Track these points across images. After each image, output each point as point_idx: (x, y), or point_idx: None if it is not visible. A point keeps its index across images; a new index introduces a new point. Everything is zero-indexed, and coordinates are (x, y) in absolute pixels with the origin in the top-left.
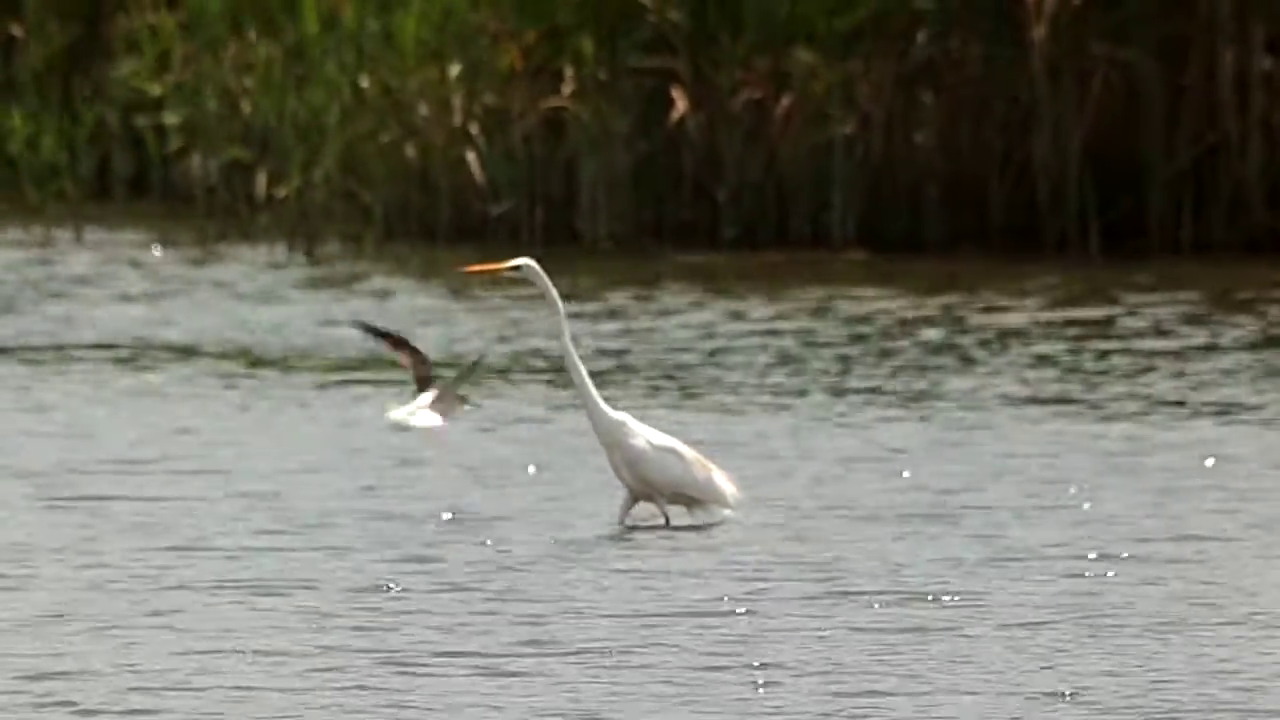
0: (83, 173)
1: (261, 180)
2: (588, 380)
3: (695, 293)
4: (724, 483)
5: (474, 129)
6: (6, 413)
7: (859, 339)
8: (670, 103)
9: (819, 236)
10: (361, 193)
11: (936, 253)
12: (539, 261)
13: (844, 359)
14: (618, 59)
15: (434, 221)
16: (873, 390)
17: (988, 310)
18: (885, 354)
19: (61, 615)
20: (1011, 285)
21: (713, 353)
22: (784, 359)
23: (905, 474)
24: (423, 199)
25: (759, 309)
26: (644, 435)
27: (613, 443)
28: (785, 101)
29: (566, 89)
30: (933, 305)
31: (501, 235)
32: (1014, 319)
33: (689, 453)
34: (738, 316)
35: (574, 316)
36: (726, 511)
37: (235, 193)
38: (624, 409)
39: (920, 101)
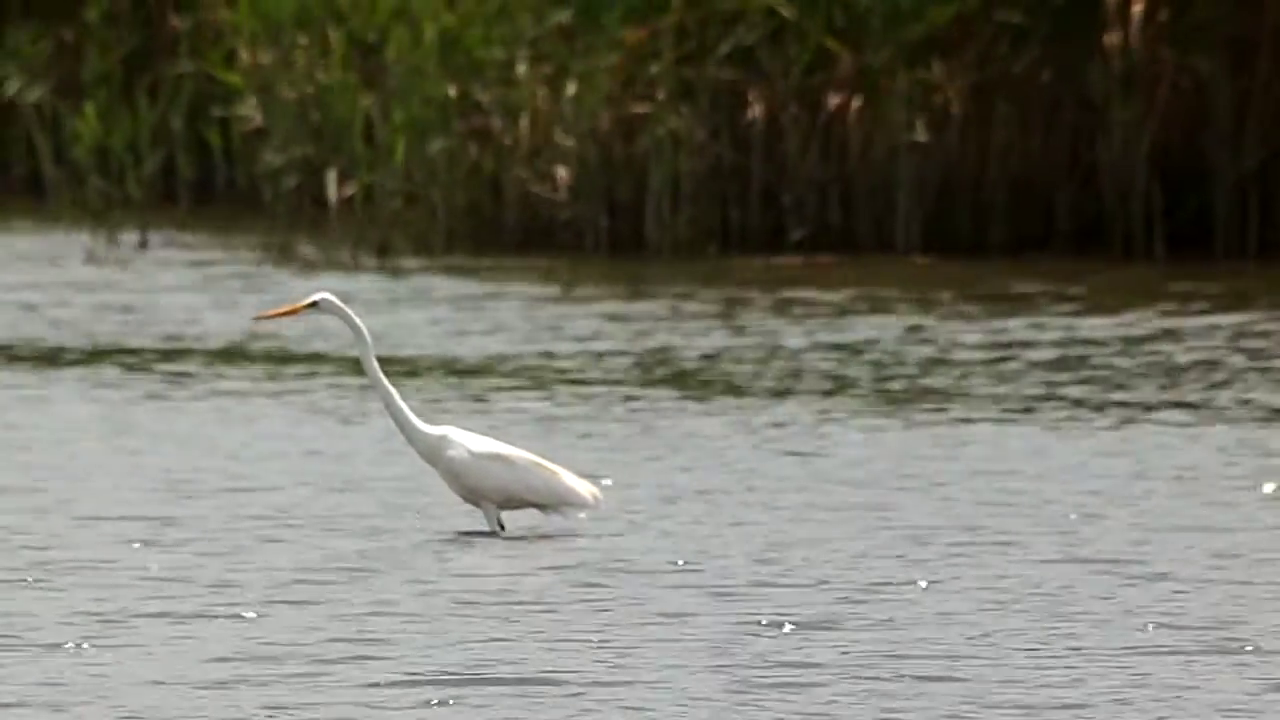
0: (146, 176)
1: (331, 181)
2: (399, 401)
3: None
4: (576, 483)
5: (544, 136)
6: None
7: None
8: (741, 109)
9: (884, 241)
10: (429, 196)
11: (1002, 257)
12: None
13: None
14: (697, 67)
15: (501, 225)
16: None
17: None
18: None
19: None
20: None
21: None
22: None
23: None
24: (491, 203)
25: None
26: (465, 445)
27: (434, 459)
28: (859, 107)
29: (643, 95)
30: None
31: (568, 240)
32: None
33: (520, 457)
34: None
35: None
36: (583, 515)
37: (302, 194)
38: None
39: (991, 106)
